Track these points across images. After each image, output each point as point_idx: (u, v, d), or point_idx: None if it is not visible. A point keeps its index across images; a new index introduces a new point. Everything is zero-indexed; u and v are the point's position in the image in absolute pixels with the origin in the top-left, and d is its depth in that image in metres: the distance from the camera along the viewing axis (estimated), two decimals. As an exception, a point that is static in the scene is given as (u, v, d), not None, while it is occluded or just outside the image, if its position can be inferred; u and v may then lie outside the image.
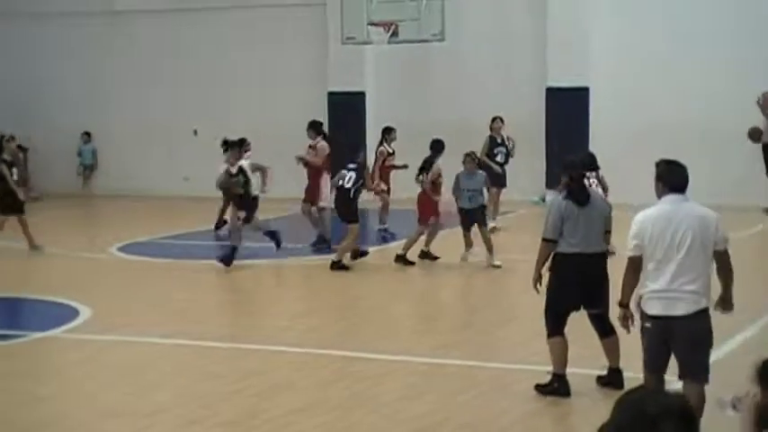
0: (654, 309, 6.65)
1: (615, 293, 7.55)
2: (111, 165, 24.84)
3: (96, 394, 8.86)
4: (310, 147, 16.63)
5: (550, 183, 21.04)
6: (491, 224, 16.35)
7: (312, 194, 16.42)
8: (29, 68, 25.36)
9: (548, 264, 8.36)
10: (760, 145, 19.01)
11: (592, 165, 15.10)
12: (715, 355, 9.22)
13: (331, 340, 10.58)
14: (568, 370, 8.38)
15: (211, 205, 18.68)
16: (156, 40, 24.40)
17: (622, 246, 7.17)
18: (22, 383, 9.23)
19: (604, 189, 15.01)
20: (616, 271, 7.55)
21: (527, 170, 18.24)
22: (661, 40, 20.62)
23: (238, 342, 10.50)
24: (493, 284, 13.74)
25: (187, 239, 17.88)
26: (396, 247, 15.61)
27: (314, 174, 16.45)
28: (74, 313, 11.76)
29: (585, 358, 8.82)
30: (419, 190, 15.20)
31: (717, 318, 10.86)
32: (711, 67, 20.24)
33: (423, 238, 14.79)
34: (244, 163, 14.86)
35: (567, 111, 21.05)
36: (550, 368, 8.40)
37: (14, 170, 16.96)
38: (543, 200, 20.99)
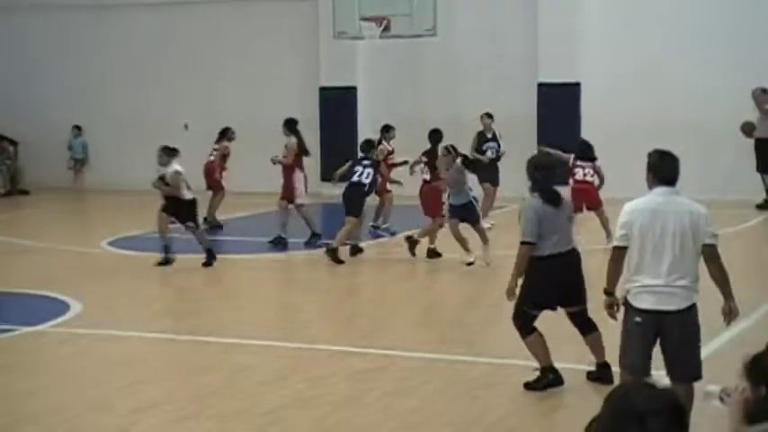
0: (644, 303, 6.58)
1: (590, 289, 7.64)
2: (101, 159, 24.79)
3: (86, 388, 8.85)
4: (286, 145, 16.61)
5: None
6: (484, 224, 16.31)
7: (287, 192, 16.33)
8: (19, 62, 25.30)
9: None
10: (752, 140, 19.10)
11: (586, 154, 15.15)
12: (705, 351, 9.26)
13: (323, 335, 10.59)
14: (558, 365, 8.40)
15: (203, 201, 18.63)
16: (147, 35, 24.34)
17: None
18: (11, 377, 9.22)
19: (601, 179, 15.04)
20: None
21: (518, 166, 17.97)
22: (652, 36, 20.64)
23: (230, 337, 10.49)
24: (485, 280, 13.74)
25: (177, 234, 17.82)
26: (392, 242, 15.58)
27: (287, 172, 16.40)
28: (64, 307, 11.74)
29: (575, 354, 8.84)
30: (419, 184, 15.13)
31: (707, 313, 10.88)
32: (703, 64, 20.27)
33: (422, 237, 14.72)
34: (171, 170, 14.24)
35: (559, 106, 21.07)
36: (535, 365, 8.41)
37: None
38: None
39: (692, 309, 6.64)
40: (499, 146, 17.83)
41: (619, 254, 6.75)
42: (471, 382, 8.76)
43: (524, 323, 8.34)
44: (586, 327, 8.44)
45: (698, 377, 6.57)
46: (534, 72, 21.33)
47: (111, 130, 24.63)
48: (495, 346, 10.00)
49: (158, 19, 24.22)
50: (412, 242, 14.56)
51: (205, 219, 18.10)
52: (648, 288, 6.55)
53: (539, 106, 21.34)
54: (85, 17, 24.75)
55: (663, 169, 6.66)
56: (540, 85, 21.30)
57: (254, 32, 23.43)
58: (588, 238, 14.04)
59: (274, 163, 16.48)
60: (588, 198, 14.98)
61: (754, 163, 19.16)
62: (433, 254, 14.56)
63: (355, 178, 14.90)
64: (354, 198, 14.81)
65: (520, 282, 8.29)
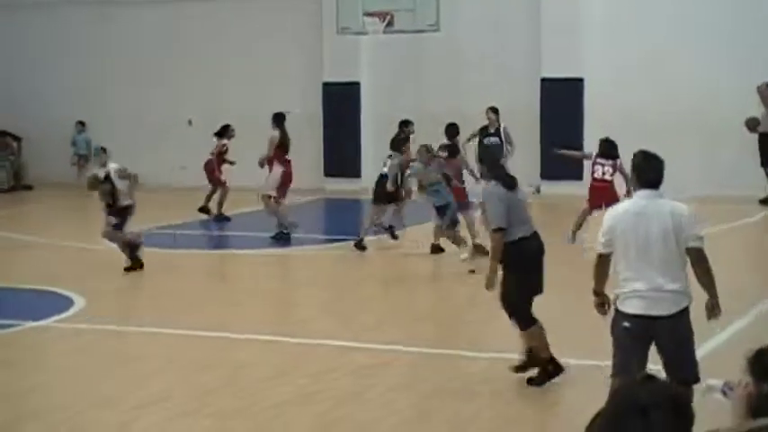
0: (634, 308, 6.41)
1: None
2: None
3: (89, 384, 8.85)
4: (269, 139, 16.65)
5: (545, 173, 21.07)
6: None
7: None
8: (22, 58, 25.29)
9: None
10: (756, 135, 19.07)
11: (609, 152, 14.88)
12: (707, 346, 9.25)
13: (325, 331, 10.57)
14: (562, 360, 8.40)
15: (200, 197, 18.69)
16: (151, 32, 24.32)
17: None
18: (14, 373, 9.22)
19: (625, 178, 14.79)
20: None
21: (522, 160, 18.21)
22: (656, 30, 20.59)
23: (231, 332, 10.48)
24: (484, 276, 13.70)
25: (182, 230, 17.85)
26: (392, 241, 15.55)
27: (269, 165, 16.44)
28: (67, 303, 11.74)
29: (577, 349, 8.83)
30: None
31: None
32: (707, 58, 20.22)
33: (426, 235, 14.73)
34: (112, 168, 13.80)
35: (562, 101, 21.04)
36: (520, 359, 8.44)
37: None
38: (538, 190, 20.99)
39: (684, 313, 6.45)
40: (502, 142, 17.64)
41: (602, 260, 6.67)
42: (472, 377, 8.74)
43: (527, 313, 8.30)
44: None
45: (695, 380, 6.39)
46: (537, 67, 21.30)
47: (114, 126, 24.59)
48: (496, 342, 9.98)
49: (161, 16, 24.20)
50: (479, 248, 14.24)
51: (216, 214, 18.23)
52: (637, 293, 6.39)
53: (542, 101, 21.31)
54: (88, 14, 24.72)
55: (646, 172, 6.53)
56: (543, 80, 21.27)
57: (257, 28, 23.41)
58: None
59: (261, 165, 16.43)
60: (606, 196, 14.82)
61: (758, 158, 19.12)
62: (436, 249, 14.54)
63: (384, 170, 15.27)
64: (383, 189, 15.15)
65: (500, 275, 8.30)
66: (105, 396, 8.44)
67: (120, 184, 13.73)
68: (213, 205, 18.46)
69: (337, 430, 7.62)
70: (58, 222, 19.41)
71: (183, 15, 23.98)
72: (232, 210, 18.52)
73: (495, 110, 17.85)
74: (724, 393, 3.63)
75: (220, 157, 18.64)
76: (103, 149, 14.37)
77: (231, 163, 18.54)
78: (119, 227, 13.72)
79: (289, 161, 16.38)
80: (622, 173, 14.65)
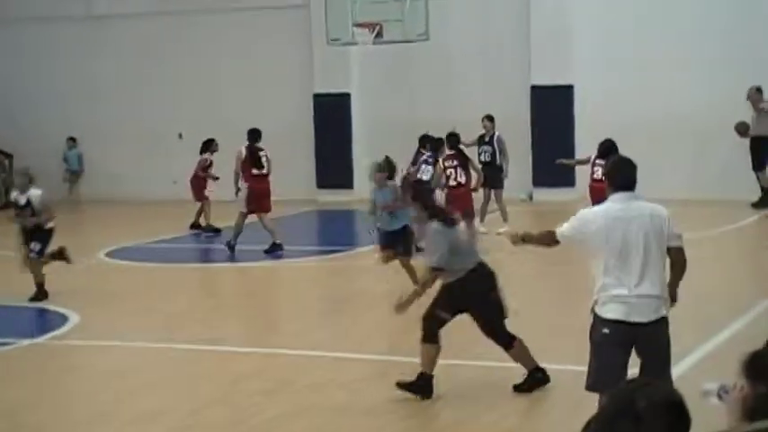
0: (614, 313, 6.23)
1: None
2: (97, 170, 24.76)
3: (85, 400, 8.84)
4: None
5: (537, 180, 21.10)
6: (479, 228, 16.33)
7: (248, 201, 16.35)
8: (13, 74, 25.28)
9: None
10: (747, 139, 19.13)
11: (607, 154, 14.64)
12: (703, 349, 9.28)
13: (320, 342, 10.56)
14: (555, 366, 8.40)
15: (190, 211, 18.71)
16: (142, 44, 24.34)
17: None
18: (10, 390, 9.20)
19: None
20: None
21: (513, 168, 18.24)
22: (644, 37, 20.66)
23: (227, 345, 10.47)
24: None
25: (175, 244, 17.85)
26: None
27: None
28: (62, 319, 11.72)
29: (574, 355, 8.83)
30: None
31: (706, 310, 10.86)
32: (695, 64, 20.29)
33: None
34: (33, 194, 12.84)
35: (552, 109, 21.09)
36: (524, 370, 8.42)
37: None
38: (530, 197, 21.02)
39: (663, 321, 6.32)
40: (496, 151, 17.51)
41: (551, 240, 6.57)
42: (469, 383, 8.74)
43: (435, 329, 8.27)
44: (508, 341, 8.42)
45: None
46: (527, 75, 21.35)
47: (106, 141, 24.60)
48: (487, 349, 9.97)
49: (151, 29, 24.21)
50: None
51: (204, 226, 18.25)
52: (617, 298, 6.21)
53: (532, 109, 21.36)
54: (78, 29, 24.73)
55: (618, 175, 6.45)
56: (533, 87, 21.32)
57: (247, 40, 23.44)
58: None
59: (237, 191, 16.39)
60: (603, 197, 14.87)
61: (749, 162, 19.18)
62: None
63: (419, 176, 15.14)
64: None
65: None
66: (100, 412, 8.43)
67: (40, 207, 12.80)
68: (203, 220, 18.51)
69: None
70: (52, 238, 19.32)
71: (173, 29, 23.99)
72: (225, 223, 18.51)
73: (490, 118, 17.79)
74: (719, 396, 3.63)
75: (205, 172, 18.66)
76: (25, 173, 13.43)
77: (215, 178, 18.46)
78: (41, 252, 12.92)
79: (258, 176, 16.26)
80: None
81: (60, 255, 13.37)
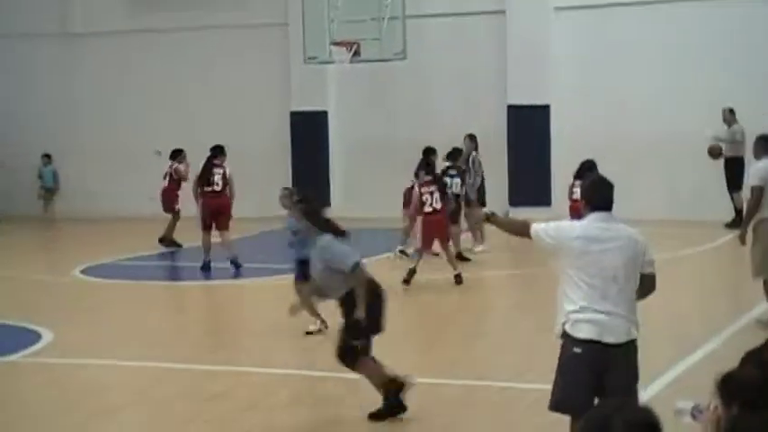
0: (585, 332, 6.11)
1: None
2: (72, 187, 24.65)
3: (58, 418, 8.77)
4: None
5: (513, 199, 21.16)
6: (480, 247, 16.46)
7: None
8: (-12, 91, 25.16)
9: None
10: (720, 161, 19.29)
11: (583, 175, 14.58)
12: (678, 368, 9.32)
13: (296, 360, 10.54)
14: (517, 384, 8.41)
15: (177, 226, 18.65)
16: (118, 62, 24.29)
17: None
18: (-18, 409, 9.12)
19: None
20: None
21: (490, 186, 18.28)
22: (620, 58, 20.80)
23: (202, 364, 10.43)
24: (458, 301, 13.76)
25: (151, 261, 17.78)
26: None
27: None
28: (35, 337, 11.63)
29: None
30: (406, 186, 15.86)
31: (681, 330, 10.93)
32: (670, 84, 20.44)
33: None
34: None
35: (529, 128, 21.17)
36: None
37: None
38: (507, 216, 21.02)
39: (634, 344, 6.23)
40: (468, 170, 17.27)
41: (523, 233, 6.44)
42: (447, 403, 8.74)
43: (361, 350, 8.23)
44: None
45: None
46: (504, 94, 21.44)
47: (82, 158, 24.50)
48: (470, 367, 9.99)
49: (128, 46, 24.16)
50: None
51: (162, 238, 18.31)
52: (589, 318, 6.11)
53: (509, 128, 21.44)
54: (54, 46, 24.67)
55: (596, 194, 6.39)
56: (510, 107, 21.41)
57: (224, 59, 23.43)
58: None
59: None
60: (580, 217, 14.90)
61: (723, 183, 19.33)
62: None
63: (450, 191, 15.37)
64: (455, 209, 15.55)
65: None
66: (77, 429, 8.36)
67: None
68: (171, 233, 18.49)
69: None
70: (26, 255, 19.24)
71: (150, 46, 23.96)
72: (196, 241, 18.46)
73: (470, 137, 17.71)
74: (693, 416, 3.66)
75: (177, 182, 18.69)
76: None
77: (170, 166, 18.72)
78: None
79: (209, 192, 16.25)
80: None
81: None
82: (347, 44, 18.46)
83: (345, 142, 22.77)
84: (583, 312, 6.12)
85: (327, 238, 8.34)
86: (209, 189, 16.28)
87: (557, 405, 6.26)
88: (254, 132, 22.95)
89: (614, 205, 6.42)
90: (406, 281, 14.04)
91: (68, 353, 10.91)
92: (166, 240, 18.51)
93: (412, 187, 15.56)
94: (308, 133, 22.66)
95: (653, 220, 18.30)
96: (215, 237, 16.07)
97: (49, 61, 24.72)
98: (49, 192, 24.78)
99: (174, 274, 17.81)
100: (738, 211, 18.95)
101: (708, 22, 20.27)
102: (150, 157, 23.61)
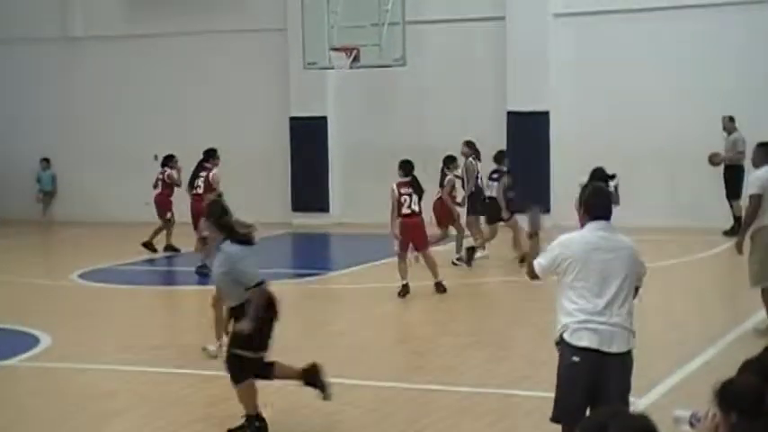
0: (585, 341, 6.11)
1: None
2: (71, 191, 24.66)
3: (56, 423, 8.76)
4: None
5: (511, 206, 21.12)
6: (479, 253, 16.48)
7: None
8: (-13, 94, 25.17)
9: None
10: (720, 168, 19.31)
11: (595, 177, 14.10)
12: (676, 377, 9.32)
13: (294, 365, 10.50)
14: (515, 391, 8.39)
15: (174, 231, 18.65)
16: (117, 67, 24.31)
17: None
18: (-20, 413, 9.11)
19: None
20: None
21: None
22: (619, 65, 20.82)
23: (202, 368, 10.41)
24: (454, 308, 13.75)
25: (148, 266, 17.78)
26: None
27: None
28: (33, 341, 11.63)
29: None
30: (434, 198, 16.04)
31: (678, 338, 10.95)
32: (670, 93, 20.46)
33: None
34: None
35: (528, 134, 21.18)
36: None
37: None
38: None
39: (630, 355, 6.23)
40: (464, 179, 17.19)
41: (532, 276, 6.45)
42: (441, 410, 8.73)
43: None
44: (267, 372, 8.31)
45: None
46: (503, 100, 21.45)
47: (81, 162, 24.52)
48: (465, 375, 9.98)
49: (127, 51, 24.19)
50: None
51: (146, 242, 18.33)
52: (589, 326, 6.12)
53: (508, 134, 21.44)
54: (53, 50, 24.68)
55: (595, 205, 6.38)
56: (509, 113, 21.42)
57: (224, 64, 23.45)
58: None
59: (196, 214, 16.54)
60: None
61: (722, 190, 19.34)
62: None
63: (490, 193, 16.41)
64: (496, 210, 16.43)
65: None
66: (73, 435, 8.36)
67: None
68: (161, 238, 18.48)
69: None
70: (24, 259, 19.24)
71: (149, 51, 23.98)
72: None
73: (467, 143, 17.59)
74: (691, 424, 3.67)
75: (169, 187, 18.71)
76: None
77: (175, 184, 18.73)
78: None
79: (195, 195, 16.55)
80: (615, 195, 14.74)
81: None
82: (347, 50, 18.49)
83: (345, 148, 22.78)
84: (583, 321, 6.13)
85: (229, 247, 8.14)
86: (194, 192, 16.58)
87: (557, 417, 6.27)
88: (253, 138, 22.97)
89: (613, 213, 6.46)
90: (401, 293, 14.05)
91: (66, 357, 10.90)
92: (151, 246, 18.47)
93: (440, 198, 15.84)
94: (308, 139, 22.67)
95: (652, 227, 18.33)
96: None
97: (48, 65, 24.74)
98: (47, 195, 24.79)
99: (172, 279, 17.81)
100: (737, 219, 18.96)
101: (707, 28, 20.29)
102: (149, 162, 23.61)
